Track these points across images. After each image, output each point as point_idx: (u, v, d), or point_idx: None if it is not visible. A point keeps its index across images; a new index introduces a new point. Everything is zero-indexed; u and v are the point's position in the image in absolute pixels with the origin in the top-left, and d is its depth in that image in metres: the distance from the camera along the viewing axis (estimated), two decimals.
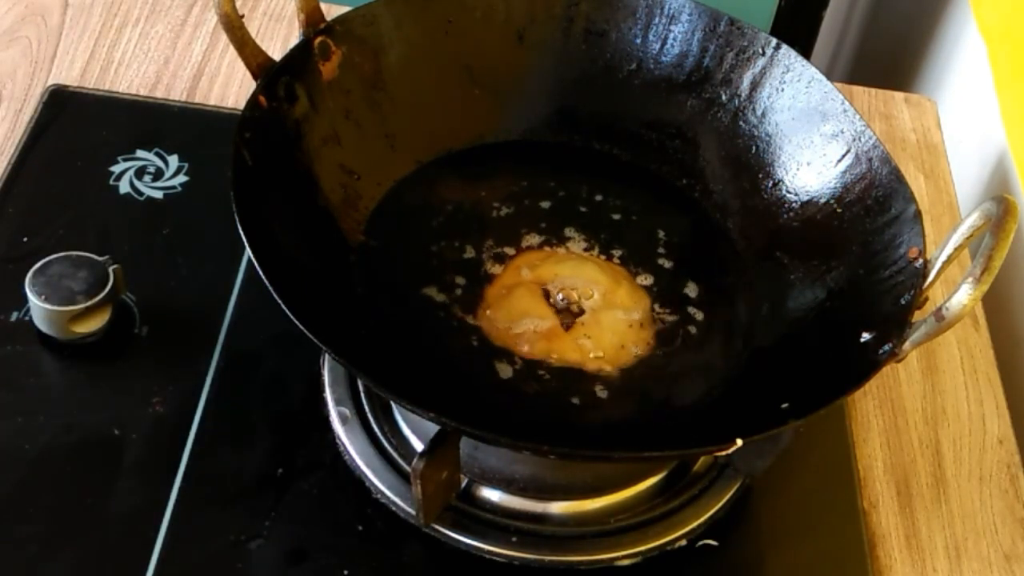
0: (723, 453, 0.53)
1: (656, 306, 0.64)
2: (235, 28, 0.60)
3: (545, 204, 0.69)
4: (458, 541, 0.61)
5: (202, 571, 0.59)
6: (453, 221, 0.67)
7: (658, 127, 0.71)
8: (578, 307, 0.63)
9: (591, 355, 0.61)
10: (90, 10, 0.86)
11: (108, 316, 0.66)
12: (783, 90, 0.68)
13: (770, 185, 0.68)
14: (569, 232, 0.67)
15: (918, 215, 0.60)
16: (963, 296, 0.50)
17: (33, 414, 0.63)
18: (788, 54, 0.68)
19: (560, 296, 0.63)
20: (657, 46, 0.71)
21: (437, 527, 0.61)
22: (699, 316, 0.64)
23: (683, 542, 0.63)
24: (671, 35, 0.71)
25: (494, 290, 0.64)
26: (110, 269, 0.65)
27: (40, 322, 0.65)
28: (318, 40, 0.64)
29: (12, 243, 0.70)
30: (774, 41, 0.68)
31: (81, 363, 0.66)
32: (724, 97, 0.70)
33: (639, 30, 0.71)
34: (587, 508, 0.63)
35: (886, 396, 0.72)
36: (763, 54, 0.69)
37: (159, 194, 0.75)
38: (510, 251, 0.66)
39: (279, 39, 0.87)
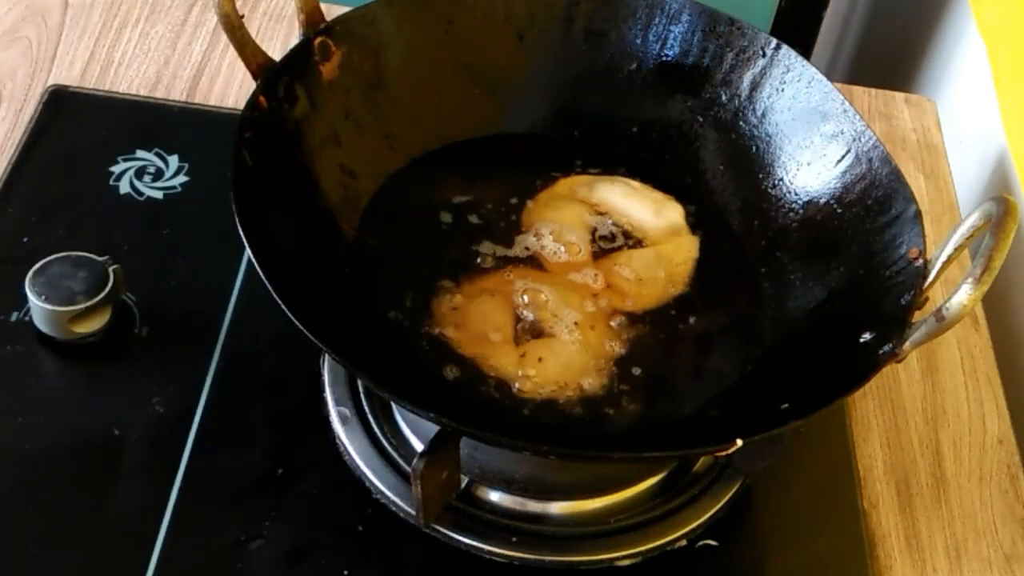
0: (723, 453, 0.53)
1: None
2: (235, 28, 0.60)
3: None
4: (458, 541, 0.61)
5: (202, 571, 0.59)
6: (453, 220, 0.67)
7: (658, 127, 0.71)
8: (540, 329, 0.62)
9: (524, 373, 0.60)
10: (90, 10, 0.86)
11: (108, 316, 0.66)
12: (783, 90, 0.68)
13: (770, 185, 0.68)
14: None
15: (918, 215, 0.60)
16: (963, 296, 0.50)
17: (33, 414, 0.63)
18: (788, 54, 0.68)
19: (528, 314, 0.63)
20: (657, 46, 0.71)
21: (437, 527, 0.61)
22: (698, 316, 0.64)
23: (683, 542, 0.63)
24: (671, 35, 0.71)
25: (470, 295, 0.63)
26: (110, 269, 0.65)
27: (40, 322, 0.65)
28: (318, 40, 0.64)
29: (12, 243, 0.70)
30: (774, 41, 0.68)
31: (81, 363, 0.66)
32: (724, 97, 0.70)
33: (639, 30, 0.71)
34: (587, 508, 0.63)
35: (886, 396, 0.72)
36: (763, 54, 0.69)
37: (159, 194, 0.75)
38: (508, 252, 0.65)
39: (279, 39, 0.87)
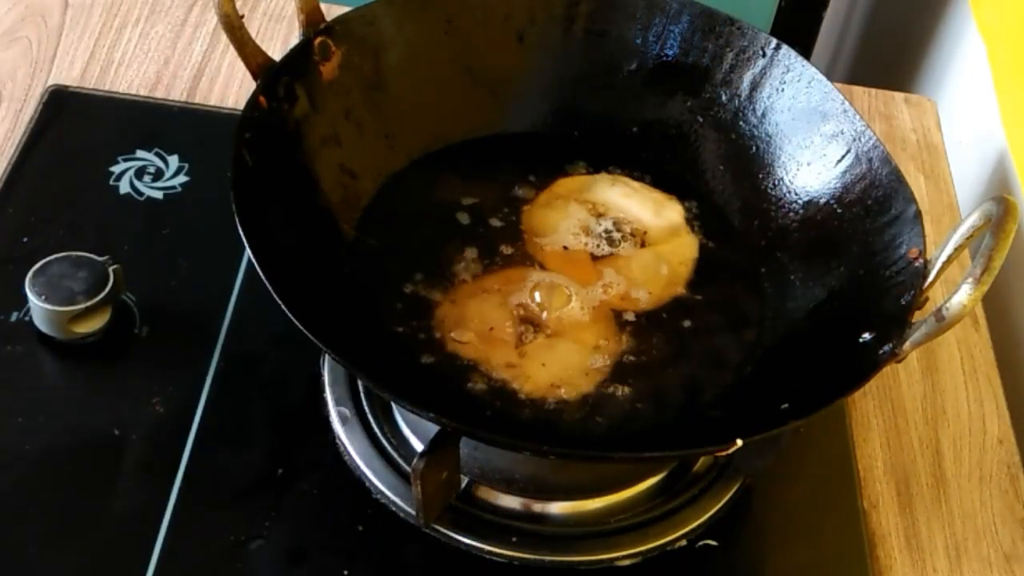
0: (723, 453, 0.53)
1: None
2: (235, 28, 0.60)
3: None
4: (458, 541, 0.61)
5: (202, 571, 0.59)
6: (452, 220, 0.67)
7: (658, 127, 0.71)
8: (538, 330, 0.62)
9: (523, 373, 0.60)
10: (90, 10, 0.86)
11: (108, 316, 0.66)
12: (783, 90, 0.68)
13: (770, 185, 0.68)
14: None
15: (918, 215, 0.60)
16: (963, 296, 0.50)
17: (33, 414, 0.63)
18: (788, 54, 0.68)
19: (526, 315, 0.62)
20: (657, 46, 0.71)
21: (437, 527, 0.61)
22: (698, 317, 0.64)
23: (683, 542, 0.63)
24: (671, 35, 0.71)
25: (466, 294, 0.63)
26: (110, 269, 0.65)
27: (40, 322, 0.65)
28: (318, 40, 0.64)
29: (12, 243, 0.70)
30: (774, 41, 0.68)
31: (81, 363, 0.66)
32: (724, 97, 0.70)
33: (639, 30, 0.71)
34: (587, 508, 0.63)
35: (886, 396, 0.72)
36: (763, 54, 0.69)
37: (159, 194, 0.75)
38: (507, 252, 0.65)
39: (279, 39, 0.87)
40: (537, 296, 0.63)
